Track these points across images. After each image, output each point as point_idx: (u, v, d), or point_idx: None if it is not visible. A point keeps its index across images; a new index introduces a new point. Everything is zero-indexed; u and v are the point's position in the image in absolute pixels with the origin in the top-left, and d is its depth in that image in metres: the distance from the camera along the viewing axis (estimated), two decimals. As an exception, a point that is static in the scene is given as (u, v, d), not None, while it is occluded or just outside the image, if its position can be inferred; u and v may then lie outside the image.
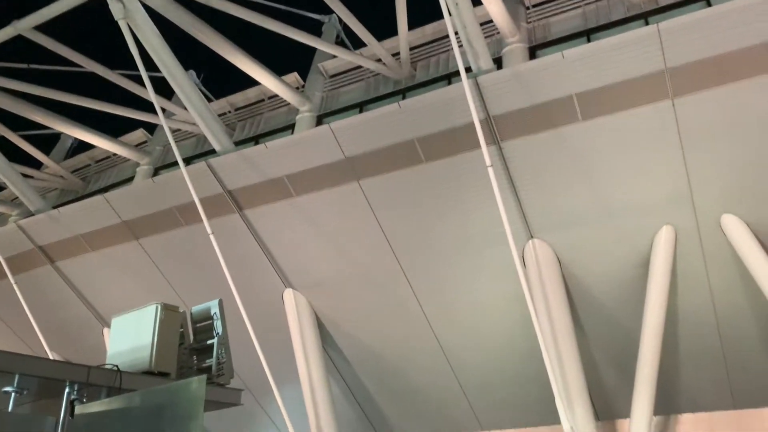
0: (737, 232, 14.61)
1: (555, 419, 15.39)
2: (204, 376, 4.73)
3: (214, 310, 6.75)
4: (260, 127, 20.13)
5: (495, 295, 17.25)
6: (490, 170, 13.69)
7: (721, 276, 15.62)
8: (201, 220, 16.61)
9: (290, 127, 18.87)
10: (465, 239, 16.53)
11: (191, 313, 6.84)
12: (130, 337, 6.39)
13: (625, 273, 16.05)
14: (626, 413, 16.45)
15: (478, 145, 13.68)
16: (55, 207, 20.55)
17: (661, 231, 15.26)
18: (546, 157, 14.90)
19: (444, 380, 19.52)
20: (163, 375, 6.07)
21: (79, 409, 5.36)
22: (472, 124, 13.55)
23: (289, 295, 19.17)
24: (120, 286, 19.95)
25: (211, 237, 16.60)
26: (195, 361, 6.72)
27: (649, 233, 15.39)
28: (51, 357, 19.32)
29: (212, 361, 6.45)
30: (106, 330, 20.91)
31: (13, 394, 5.58)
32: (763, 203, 14.45)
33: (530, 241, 16.26)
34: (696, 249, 15.37)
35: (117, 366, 5.72)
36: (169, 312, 6.31)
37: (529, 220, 15.94)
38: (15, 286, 19.12)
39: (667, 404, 17.62)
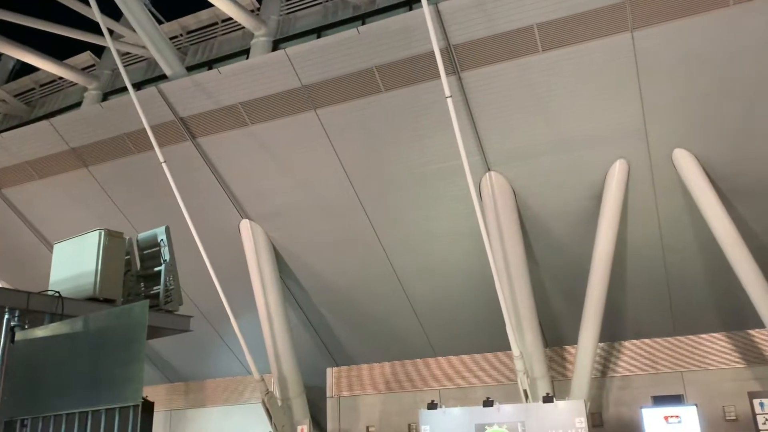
0: (688, 166, 14.94)
1: (505, 346, 15.93)
2: (146, 301, 4.65)
3: (161, 236, 6.60)
4: (213, 51, 19.38)
5: (451, 227, 17.43)
6: (449, 101, 13.54)
7: (670, 210, 16.06)
8: (153, 148, 16.14)
9: (245, 52, 18.19)
10: (422, 171, 16.52)
11: (137, 240, 6.68)
12: (72, 263, 6.24)
13: (578, 205, 16.35)
14: (573, 340, 17.13)
15: (438, 75, 13.47)
16: (-2, 132, 19.67)
17: (614, 164, 15.49)
18: (505, 88, 14.79)
19: (400, 309, 19.91)
20: (109, 302, 5.97)
21: (20, 336, 5.24)
22: (433, 53, 13.30)
23: (245, 225, 19.02)
24: (70, 215, 19.44)
25: (164, 165, 16.20)
26: (143, 288, 6.63)
27: (602, 166, 15.61)
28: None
29: (160, 288, 6.35)
30: (57, 259, 20.50)
31: (-51, 320, 5.42)
32: (715, 139, 14.74)
33: (487, 174, 16.34)
34: (647, 183, 15.70)
35: (59, 292, 5.59)
36: (113, 238, 6.14)
37: (487, 152, 15.96)
38: (-42, 214, 18.48)
39: (612, 332, 18.35)
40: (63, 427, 4.59)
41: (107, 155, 18.26)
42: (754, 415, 13.66)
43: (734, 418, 17.95)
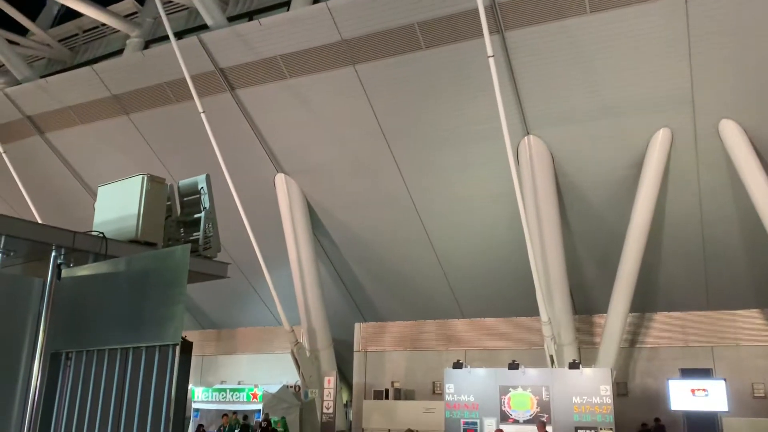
0: (734, 138, 14.48)
1: (534, 311, 15.94)
2: (188, 245, 4.76)
3: (202, 184, 6.68)
4: (254, 2, 19.24)
5: (485, 190, 17.31)
6: (491, 61, 13.30)
7: (712, 181, 15.66)
8: (192, 98, 16.26)
9: (286, 4, 18.01)
10: (459, 132, 16.34)
11: (178, 187, 6.79)
12: (116, 206, 6.38)
13: (617, 173, 16.06)
14: (603, 309, 17.05)
15: (481, 34, 13.20)
16: (42, 77, 19.99)
17: (657, 133, 15.11)
18: (549, 50, 14.42)
19: (429, 269, 20.00)
20: (150, 245, 6.11)
21: (65, 273, 5.41)
22: (476, 10, 13.00)
23: (280, 179, 19.17)
24: (110, 161, 19.83)
25: (203, 116, 16.34)
26: (182, 234, 6.76)
27: (645, 134, 15.24)
28: (43, 228, 19.49)
29: (199, 235, 6.47)
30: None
31: (0, 255, 5.63)
32: (766, 111, 14.23)
33: (526, 138, 16.10)
34: (690, 153, 15.30)
35: (103, 233, 5.74)
36: (155, 183, 6.24)
37: (527, 115, 15.69)
38: (4, 155, 18.97)
39: (643, 303, 18.20)
40: (105, 361, 4.76)
41: (147, 103, 18.46)
42: (784, 393, 13.49)
43: (763, 395, 17.78)
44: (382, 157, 17.46)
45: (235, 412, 21.15)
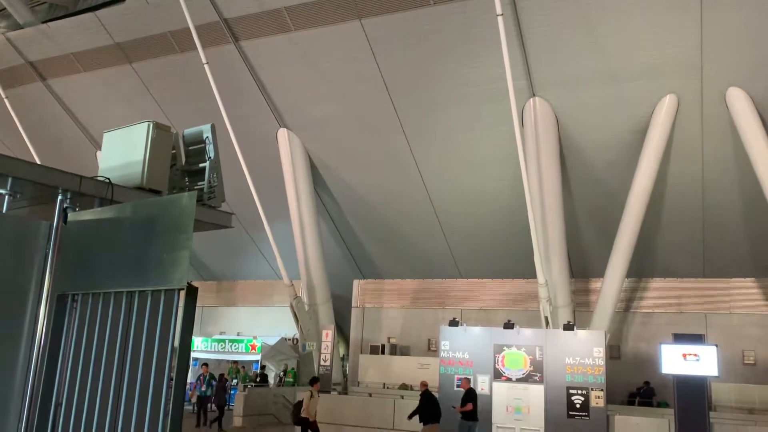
0: (741, 106, 14.39)
1: (531, 273, 16.10)
2: (194, 192, 4.79)
3: (207, 134, 6.66)
4: (262, -48, 18.86)
5: (489, 151, 17.27)
6: (500, 19, 13.13)
7: (716, 149, 15.63)
8: (196, 48, 16.09)
9: (293, -45, 17.68)
10: (465, 91, 16.22)
11: (183, 136, 6.79)
12: (121, 152, 6.38)
13: (621, 138, 16.01)
14: (600, 273, 17.21)
15: (490, -9, 13.01)
16: (44, 21, 19.69)
17: (664, 99, 15.02)
18: (558, 11, 14.20)
19: (429, 229, 20.11)
20: (155, 192, 6.14)
21: (71, 217, 5.45)
22: (487, -34, 12.79)
23: (283, 134, 19.11)
24: (112, 109, 19.70)
25: (206, 67, 16.19)
26: (187, 183, 6.78)
27: (651, 100, 15.15)
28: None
29: (204, 184, 6.49)
30: (98, 153, 20.94)
31: (6, 197, 5.65)
32: (773, 79, 14.13)
33: (531, 99, 15.99)
34: (696, 120, 15.24)
35: (109, 179, 5.76)
36: (160, 131, 6.22)
37: (533, 76, 15.56)
38: (6, 101, 18.85)
39: (640, 268, 18.36)
40: (111, 304, 4.85)
41: (151, 52, 18.26)
42: (774, 360, 13.74)
43: (753, 362, 18.11)
44: (385, 115, 17.36)
45: (235, 362, 21.60)
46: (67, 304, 5.25)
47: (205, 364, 18.25)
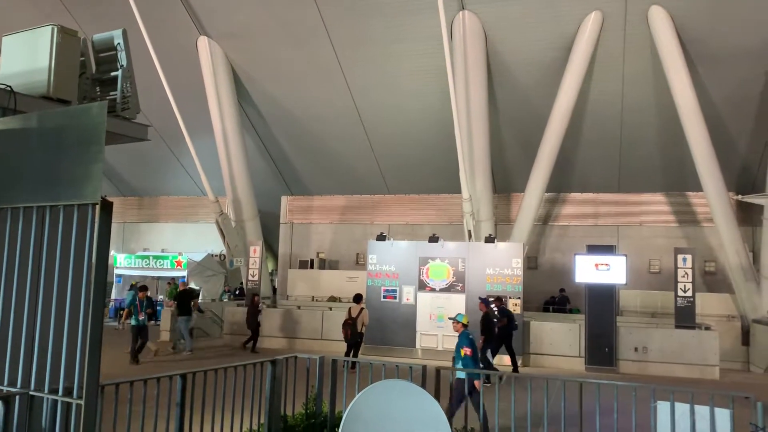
0: (662, 25, 14.71)
1: (456, 189, 16.41)
2: (105, 102, 4.51)
3: (118, 40, 6.23)
4: None
5: (417, 65, 17.07)
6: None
7: (637, 69, 16.04)
8: (105, -55, 14.84)
9: None
10: (395, 2, 15.77)
11: (92, 41, 6.33)
12: (23, 59, 5.90)
13: (547, 55, 16.14)
14: (522, 189, 17.74)
15: None
16: None
17: (589, 15, 15.14)
18: None
19: (358, 145, 20.00)
20: (63, 102, 5.76)
21: (-29, 127, 5.07)
22: None
23: (203, 43, 18.18)
24: (15, 12, 18.07)
25: (117, -34, 15.02)
26: (98, 93, 6.40)
27: (578, 16, 15.25)
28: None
29: (117, 94, 6.14)
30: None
31: None
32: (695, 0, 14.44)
33: (461, 12, 15.77)
34: (618, 39, 15.50)
35: (10, 86, 5.35)
36: (66, 36, 5.77)
37: (463, -12, 15.28)
38: None
39: (559, 183, 19.05)
40: (20, 219, 4.62)
41: (54, -52, 16.71)
42: (676, 268, 14.78)
43: (658, 270, 19.46)
44: (313, 25, 16.74)
45: (172, 279, 21.18)
46: (-27, 221, 4.97)
47: (144, 287, 14.77)
